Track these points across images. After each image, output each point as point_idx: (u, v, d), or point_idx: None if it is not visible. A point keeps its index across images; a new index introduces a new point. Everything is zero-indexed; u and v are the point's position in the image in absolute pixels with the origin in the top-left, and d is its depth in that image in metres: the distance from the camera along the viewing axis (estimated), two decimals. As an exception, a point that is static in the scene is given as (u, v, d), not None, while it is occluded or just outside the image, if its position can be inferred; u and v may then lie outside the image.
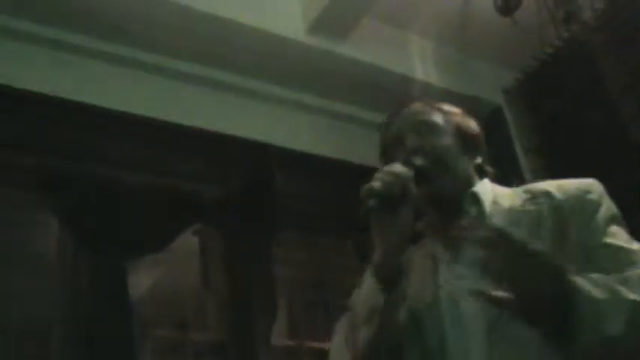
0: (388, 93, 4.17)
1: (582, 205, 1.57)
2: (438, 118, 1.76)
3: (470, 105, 4.46)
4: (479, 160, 1.77)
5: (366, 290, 1.58)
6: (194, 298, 4.39)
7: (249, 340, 3.43)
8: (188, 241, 3.79)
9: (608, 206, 1.58)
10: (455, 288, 1.55)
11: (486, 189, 1.69)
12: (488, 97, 4.57)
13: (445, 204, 1.63)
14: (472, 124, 1.83)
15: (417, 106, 1.81)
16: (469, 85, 4.48)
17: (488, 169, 1.80)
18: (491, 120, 4.61)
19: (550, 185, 1.64)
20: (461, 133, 1.76)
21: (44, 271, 3.44)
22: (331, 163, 4.01)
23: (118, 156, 3.39)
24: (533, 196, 1.62)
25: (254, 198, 3.70)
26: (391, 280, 1.51)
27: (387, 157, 1.75)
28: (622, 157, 3.84)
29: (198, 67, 3.77)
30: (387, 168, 1.55)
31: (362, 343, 1.55)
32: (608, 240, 1.51)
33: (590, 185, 1.62)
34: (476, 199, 1.66)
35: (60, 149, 3.24)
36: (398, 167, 1.55)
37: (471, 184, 1.70)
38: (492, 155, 4.52)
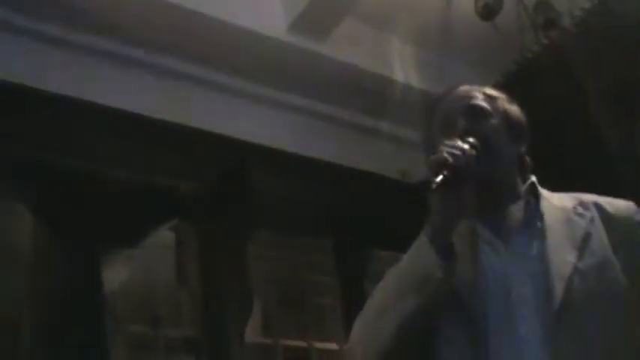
0: (367, 94, 4.19)
1: (630, 223, 1.59)
2: (486, 103, 1.75)
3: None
4: (523, 149, 1.76)
5: (415, 259, 1.56)
6: (168, 293, 4.37)
7: (222, 337, 3.43)
8: (164, 236, 3.78)
9: None
10: (505, 271, 1.53)
11: (535, 185, 1.69)
12: (468, 101, 4.58)
13: (490, 187, 1.61)
14: (518, 111, 1.81)
15: (465, 89, 1.80)
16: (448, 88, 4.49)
17: (528, 161, 1.78)
18: (470, 123, 4.64)
19: (597, 197, 1.66)
20: (508, 119, 1.75)
21: (18, 262, 3.41)
22: (308, 162, 4.01)
23: (95, 149, 3.37)
24: (583, 203, 1.63)
25: (231, 195, 3.70)
26: (448, 250, 1.50)
27: (434, 140, 1.72)
28: (598, 163, 3.88)
29: (178, 63, 3.77)
30: (453, 142, 1.53)
31: (405, 311, 1.49)
32: None
33: (636, 208, 1.64)
34: (534, 189, 1.66)
35: (36, 140, 3.21)
36: (461, 143, 1.53)
37: (514, 171, 1.70)
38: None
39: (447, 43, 4.43)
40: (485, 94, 1.78)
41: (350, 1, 3.79)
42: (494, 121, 1.71)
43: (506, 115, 1.75)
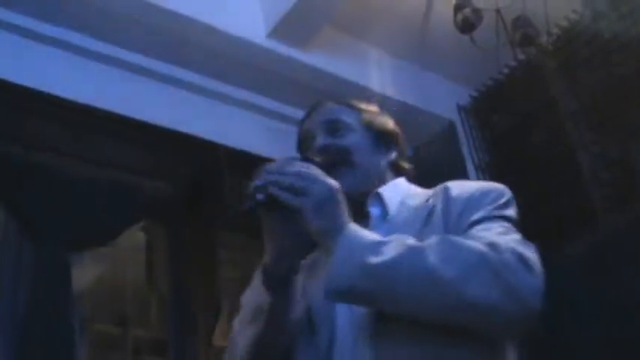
0: (344, 102, 4.20)
1: (473, 195, 1.55)
2: (346, 116, 1.76)
3: (424, 119, 4.57)
4: (393, 156, 1.77)
5: (254, 289, 1.56)
6: (137, 294, 4.36)
7: (190, 339, 3.41)
8: (134, 236, 3.76)
9: (501, 206, 1.53)
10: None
11: (397, 188, 1.69)
12: (443, 113, 4.62)
13: (352, 203, 1.49)
14: (386, 121, 1.83)
15: (327, 104, 1.82)
16: (425, 99, 4.53)
17: (406, 166, 1.80)
18: (445, 135, 4.67)
19: (455, 183, 1.62)
20: (373, 130, 1.76)
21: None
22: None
23: (65, 145, 3.33)
24: (435, 192, 1.62)
25: (202, 197, 3.69)
26: (279, 282, 1.49)
27: (301, 156, 1.74)
28: (566, 181, 3.93)
29: (154, 62, 3.75)
30: (279, 168, 1.45)
31: (245, 341, 1.54)
32: (479, 225, 1.47)
33: (494, 187, 1.59)
34: (380, 199, 1.64)
35: (3, 134, 3.17)
36: (290, 165, 1.46)
37: (383, 182, 1.69)
38: (444, 170, 4.60)
39: (425, 54, 4.47)
40: (350, 106, 1.81)
41: (330, 9, 3.80)
42: (354, 134, 1.73)
43: (371, 127, 1.77)
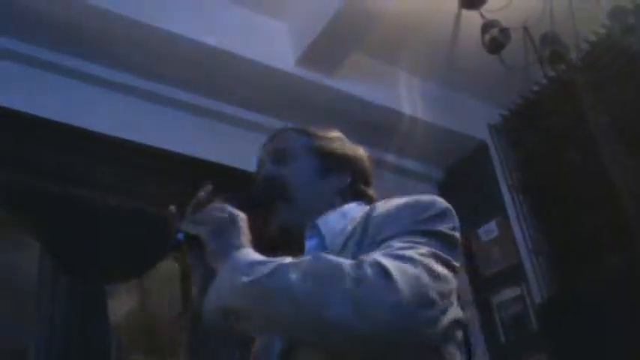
0: (374, 126, 4.20)
1: (390, 211, 1.49)
2: (296, 143, 1.76)
3: (456, 140, 4.56)
4: (346, 181, 1.72)
5: None
6: (172, 324, 4.36)
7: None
8: (168, 266, 3.78)
9: (423, 220, 1.44)
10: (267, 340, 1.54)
11: (344, 215, 1.63)
12: (474, 133, 4.60)
13: (293, 237, 1.57)
14: (341, 146, 1.79)
15: (282, 132, 1.82)
16: (456, 120, 4.52)
17: (368, 191, 1.76)
18: (477, 156, 4.65)
19: (383, 201, 1.57)
20: (322, 156, 1.74)
21: (23, 293, 3.41)
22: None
23: (99, 179, 3.38)
24: (366, 212, 1.56)
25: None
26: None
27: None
28: (601, 196, 3.88)
29: (185, 94, 3.79)
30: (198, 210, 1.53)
31: None
32: (387, 242, 1.40)
33: (419, 200, 1.51)
34: (317, 230, 1.60)
35: (40, 171, 3.22)
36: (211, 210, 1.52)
37: (332, 208, 1.64)
38: (477, 190, 4.57)
39: (454, 75, 4.45)
40: (303, 133, 1.80)
41: (357, 35, 3.80)
42: (298, 163, 1.72)
43: (320, 152, 1.74)
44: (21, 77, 3.37)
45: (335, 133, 1.84)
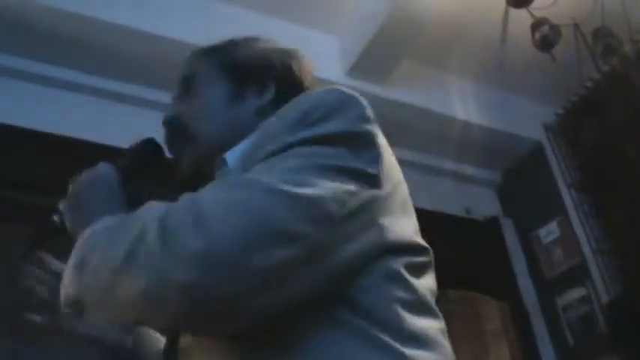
0: (429, 133, 4.18)
1: (271, 123, 1.18)
2: (202, 66, 1.44)
3: (511, 143, 4.51)
4: (267, 96, 1.39)
5: None
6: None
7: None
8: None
9: (304, 126, 1.11)
10: None
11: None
12: (530, 134, 4.55)
13: (208, 174, 1.25)
14: (255, 51, 1.45)
15: (187, 58, 1.50)
16: (509, 122, 4.47)
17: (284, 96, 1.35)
18: (533, 156, 4.60)
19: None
20: (233, 72, 1.42)
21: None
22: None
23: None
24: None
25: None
26: None
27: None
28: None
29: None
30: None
31: None
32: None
33: (301, 102, 1.18)
34: (225, 163, 1.24)
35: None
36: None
37: (250, 131, 1.26)
38: (536, 192, 4.50)
39: (505, 77, 4.41)
40: (209, 52, 1.48)
41: (406, 42, 3.79)
42: (205, 90, 1.41)
43: (231, 69, 1.42)
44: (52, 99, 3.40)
45: (252, 39, 1.50)
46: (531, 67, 4.14)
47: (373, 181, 1.11)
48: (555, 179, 4.45)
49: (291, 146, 1.08)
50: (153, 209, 1.03)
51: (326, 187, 1.02)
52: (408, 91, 4.08)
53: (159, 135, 1.45)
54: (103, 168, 1.29)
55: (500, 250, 4.48)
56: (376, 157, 1.14)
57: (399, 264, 1.12)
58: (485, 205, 4.63)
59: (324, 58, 3.86)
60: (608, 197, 4.16)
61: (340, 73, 3.87)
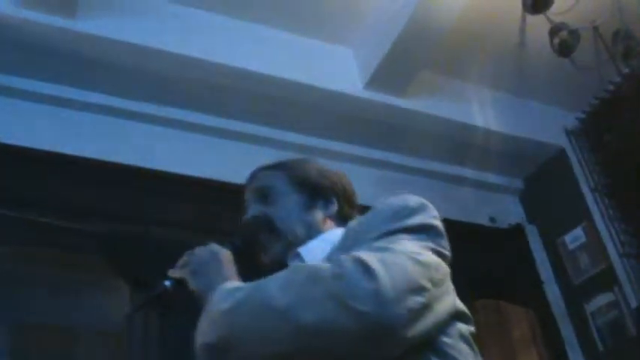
0: (450, 142, 4.17)
1: (362, 222, 1.50)
2: (275, 180, 1.77)
3: (533, 149, 4.49)
4: (333, 208, 1.75)
5: None
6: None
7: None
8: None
9: (395, 220, 1.43)
10: None
11: (325, 241, 1.62)
12: (551, 140, 4.52)
13: (286, 265, 1.56)
14: (318, 174, 1.79)
15: (258, 171, 1.84)
16: (530, 128, 4.45)
17: (352, 212, 1.77)
18: (555, 162, 4.57)
19: (360, 217, 1.59)
20: (304, 188, 1.75)
21: (115, 337, 3.46)
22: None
23: (184, 219, 3.43)
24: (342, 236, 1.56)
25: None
26: None
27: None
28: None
29: (257, 128, 3.82)
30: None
31: None
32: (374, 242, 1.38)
33: (388, 204, 1.50)
34: (299, 258, 1.60)
35: (124, 213, 3.29)
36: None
37: (313, 238, 1.65)
38: (559, 197, 4.46)
39: (525, 83, 4.39)
40: (278, 168, 1.81)
41: (423, 52, 3.78)
42: (283, 198, 1.73)
43: (302, 184, 1.76)
44: (99, 128, 3.47)
45: (310, 162, 1.86)
46: (551, 73, 4.12)
47: (447, 260, 1.44)
48: (579, 184, 4.42)
49: (394, 232, 1.39)
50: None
51: (430, 259, 1.35)
52: (427, 102, 4.07)
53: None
54: (217, 246, 1.58)
55: (526, 257, 4.46)
56: (447, 244, 1.47)
57: (464, 329, 1.42)
58: (509, 212, 4.61)
59: (342, 71, 3.87)
60: (633, 200, 4.12)
61: (359, 86, 3.87)
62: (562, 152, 4.54)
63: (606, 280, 4.12)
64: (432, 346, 1.32)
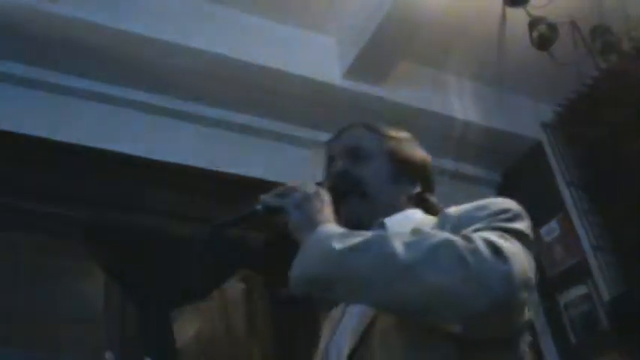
0: (428, 133, 4.16)
1: (468, 211, 1.47)
2: (369, 143, 1.75)
3: (510, 141, 4.50)
4: (416, 189, 1.73)
5: None
6: (239, 345, 4.37)
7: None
8: (233, 287, 3.79)
9: (503, 219, 1.41)
10: (338, 341, 1.53)
11: (408, 219, 1.62)
12: (528, 133, 4.54)
13: (363, 229, 1.48)
14: (411, 152, 1.78)
15: (353, 129, 1.82)
16: (508, 121, 4.46)
17: (431, 199, 1.77)
18: (532, 155, 4.59)
19: (456, 207, 1.54)
20: (395, 160, 1.73)
21: (91, 320, 3.46)
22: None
23: (163, 206, 3.42)
24: (439, 216, 1.55)
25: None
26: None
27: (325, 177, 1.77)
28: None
29: (238, 116, 3.81)
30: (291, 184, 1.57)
31: None
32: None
33: (496, 201, 1.49)
34: (383, 228, 1.59)
35: (105, 200, 3.27)
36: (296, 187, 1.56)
37: (400, 210, 1.65)
38: (536, 190, 4.49)
39: (504, 76, 4.40)
40: (375, 132, 1.79)
41: (403, 42, 3.78)
42: (374, 163, 1.72)
43: (393, 155, 1.74)
44: (83, 112, 3.46)
45: (405, 135, 1.84)
46: (529, 66, 4.13)
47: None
48: (555, 177, 4.44)
49: (498, 229, 1.35)
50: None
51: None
52: (406, 92, 4.07)
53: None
54: (318, 187, 1.56)
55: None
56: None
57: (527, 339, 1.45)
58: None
59: (322, 60, 3.86)
60: (608, 194, 4.15)
61: (338, 74, 3.86)
62: (539, 145, 4.56)
63: (580, 272, 4.15)
64: (511, 349, 1.38)
